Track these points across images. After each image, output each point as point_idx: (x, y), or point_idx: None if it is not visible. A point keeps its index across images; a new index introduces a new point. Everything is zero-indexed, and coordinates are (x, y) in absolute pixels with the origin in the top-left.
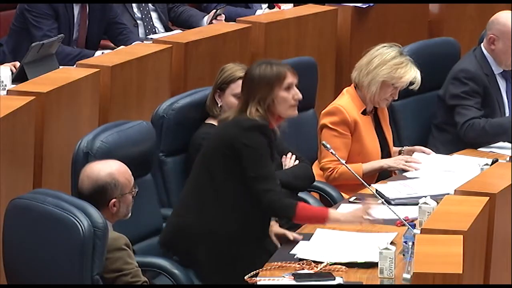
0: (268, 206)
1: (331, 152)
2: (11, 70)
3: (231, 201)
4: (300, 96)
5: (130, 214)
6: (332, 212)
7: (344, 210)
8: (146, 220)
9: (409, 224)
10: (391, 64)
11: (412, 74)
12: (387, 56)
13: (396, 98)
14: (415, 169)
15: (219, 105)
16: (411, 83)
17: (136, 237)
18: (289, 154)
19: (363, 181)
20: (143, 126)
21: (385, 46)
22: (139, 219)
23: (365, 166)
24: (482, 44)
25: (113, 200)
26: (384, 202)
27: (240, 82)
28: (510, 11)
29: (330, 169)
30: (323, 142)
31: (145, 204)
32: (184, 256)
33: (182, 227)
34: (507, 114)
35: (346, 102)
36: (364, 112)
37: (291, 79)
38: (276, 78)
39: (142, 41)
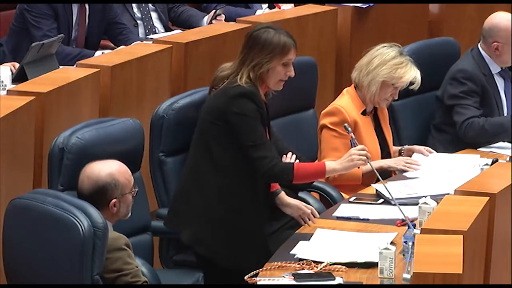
0: (265, 173)
1: (351, 136)
2: (11, 70)
3: (230, 173)
4: (292, 74)
5: (130, 214)
6: (328, 164)
7: (343, 209)
8: (134, 218)
9: (408, 224)
10: (391, 64)
11: (412, 74)
12: (387, 56)
13: (396, 98)
14: (415, 170)
15: None
16: (411, 83)
17: (123, 234)
18: (289, 154)
19: (378, 175)
20: (128, 123)
21: (385, 46)
22: None
23: (365, 166)
24: (479, 44)
25: (114, 200)
26: (394, 200)
27: None
28: (503, 13)
29: None
30: (345, 124)
31: (133, 202)
32: (189, 236)
33: (184, 205)
34: (506, 113)
35: (346, 102)
36: (364, 113)
37: (292, 55)
38: (279, 50)
39: (142, 41)
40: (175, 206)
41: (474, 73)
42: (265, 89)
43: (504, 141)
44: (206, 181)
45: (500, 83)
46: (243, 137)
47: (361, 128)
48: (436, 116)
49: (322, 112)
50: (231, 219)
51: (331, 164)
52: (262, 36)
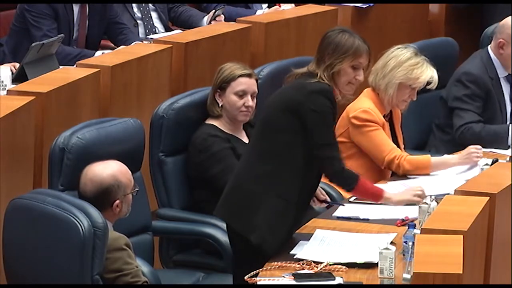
0: (333, 174)
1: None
2: (11, 70)
3: (293, 164)
4: (361, 79)
5: (128, 213)
6: (386, 193)
7: (343, 209)
8: (134, 218)
9: (408, 224)
10: (406, 66)
11: (428, 73)
12: (402, 57)
13: (415, 98)
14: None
15: (220, 105)
16: (428, 83)
17: (124, 234)
18: None
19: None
20: (129, 123)
21: (399, 48)
22: (128, 216)
23: (435, 160)
24: (489, 46)
25: (117, 201)
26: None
27: (241, 80)
28: None
29: (397, 157)
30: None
31: (134, 202)
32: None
33: (236, 194)
34: (509, 117)
35: (372, 105)
36: (384, 116)
37: (363, 60)
38: (352, 52)
39: (142, 41)
40: (228, 196)
41: (479, 77)
42: (338, 92)
43: (498, 148)
44: (255, 168)
45: (506, 87)
46: (316, 135)
47: (385, 132)
48: (440, 117)
49: (351, 116)
50: (277, 207)
51: (389, 194)
52: (336, 38)
